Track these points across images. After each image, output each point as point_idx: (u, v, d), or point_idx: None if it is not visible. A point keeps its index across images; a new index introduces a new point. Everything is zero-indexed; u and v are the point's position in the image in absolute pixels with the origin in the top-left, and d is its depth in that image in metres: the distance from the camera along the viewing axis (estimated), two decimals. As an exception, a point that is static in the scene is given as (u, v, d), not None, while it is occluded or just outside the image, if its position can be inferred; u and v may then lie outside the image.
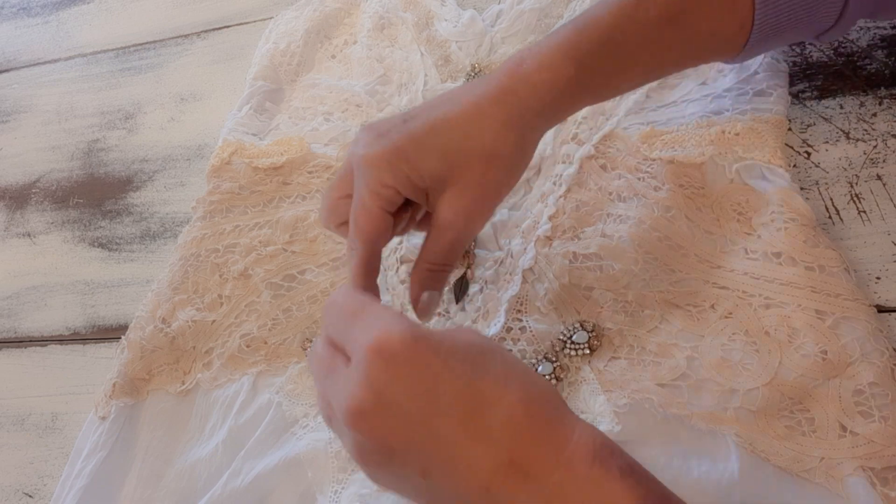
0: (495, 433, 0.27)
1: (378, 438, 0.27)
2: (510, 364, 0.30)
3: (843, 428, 0.39)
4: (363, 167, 0.36)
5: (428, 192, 0.36)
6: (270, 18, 0.68)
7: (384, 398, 0.27)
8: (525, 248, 0.49)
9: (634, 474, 0.28)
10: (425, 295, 0.38)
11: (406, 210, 0.40)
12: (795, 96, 0.50)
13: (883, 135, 0.47)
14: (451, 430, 0.27)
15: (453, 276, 0.50)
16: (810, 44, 0.51)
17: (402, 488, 0.30)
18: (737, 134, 0.48)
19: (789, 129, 0.49)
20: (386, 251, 0.52)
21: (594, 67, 0.38)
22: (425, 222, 0.42)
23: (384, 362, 0.27)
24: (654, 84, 0.52)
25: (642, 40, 0.39)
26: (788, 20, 0.40)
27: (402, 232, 0.41)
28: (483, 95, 0.36)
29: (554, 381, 0.45)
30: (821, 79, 0.50)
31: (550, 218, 0.50)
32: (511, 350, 0.47)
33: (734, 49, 0.42)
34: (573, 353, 0.45)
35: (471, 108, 0.36)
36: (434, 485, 0.28)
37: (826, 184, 0.47)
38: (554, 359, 0.45)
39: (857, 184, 0.46)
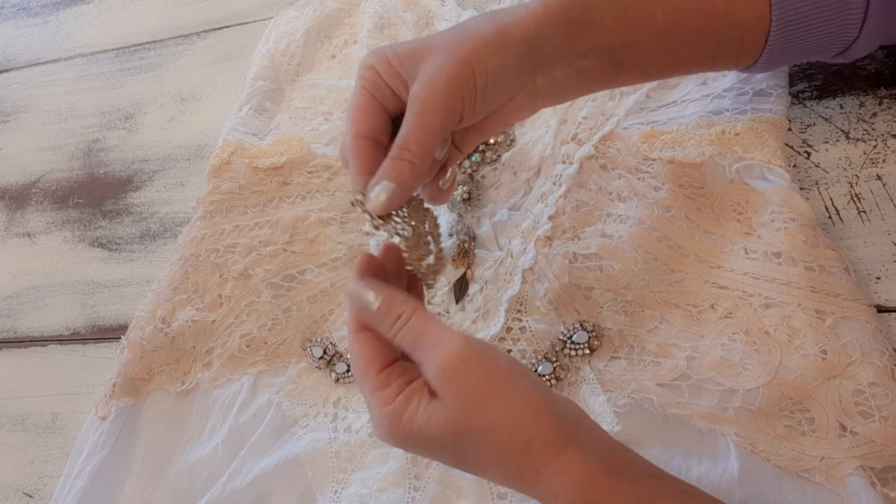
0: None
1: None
2: (483, 443, 0.31)
3: (843, 428, 0.39)
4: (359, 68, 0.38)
5: (407, 82, 0.36)
6: (270, 18, 0.68)
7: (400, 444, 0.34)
8: (525, 248, 0.49)
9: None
10: (382, 187, 0.34)
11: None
12: (795, 96, 0.50)
13: (883, 135, 0.47)
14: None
15: (454, 276, 0.50)
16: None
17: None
18: (737, 134, 0.48)
19: (789, 129, 0.49)
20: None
21: (592, 3, 0.38)
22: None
23: (386, 442, 0.34)
24: (654, 84, 0.52)
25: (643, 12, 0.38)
26: (808, 17, 0.38)
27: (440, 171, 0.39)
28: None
29: (554, 381, 0.45)
30: (821, 79, 0.50)
31: (550, 218, 0.50)
32: (511, 350, 0.47)
33: (752, 43, 0.40)
34: (573, 353, 0.45)
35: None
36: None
37: (826, 184, 0.47)
38: (554, 359, 0.45)
39: (857, 184, 0.46)
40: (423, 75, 0.35)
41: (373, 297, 0.33)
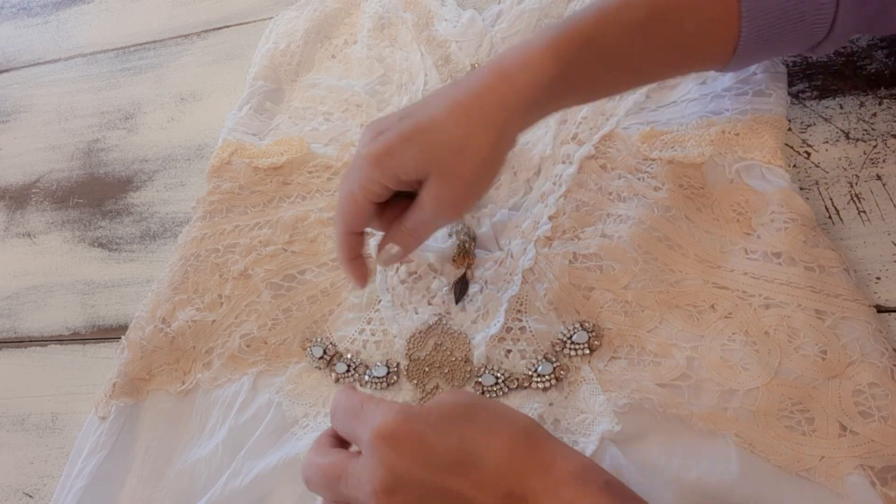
0: (490, 475, 0.32)
1: None
2: (493, 413, 0.34)
3: (843, 427, 0.39)
4: (358, 164, 0.40)
5: (415, 183, 0.40)
6: (270, 18, 0.68)
7: (397, 471, 0.32)
8: (525, 249, 0.49)
9: (612, 488, 0.32)
10: (391, 247, 0.43)
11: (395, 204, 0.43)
12: (795, 96, 0.50)
13: (883, 135, 0.47)
14: (456, 483, 0.32)
15: (454, 276, 0.50)
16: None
17: None
18: (737, 134, 0.48)
19: (789, 129, 0.49)
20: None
21: (577, 66, 0.39)
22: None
23: (387, 444, 0.32)
24: (653, 84, 0.52)
25: (627, 41, 0.40)
26: (776, 26, 0.41)
27: (390, 222, 0.43)
28: (466, 93, 0.38)
29: (554, 381, 0.45)
30: (821, 79, 0.50)
31: (550, 218, 0.50)
32: (511, 350, 0.47)
33: (724, 54, 0.42)
34: (573, 353, 0.45)
35: (453, 106, 0.38)
36: None
37: (826, 184, 0.47)
38: (554, 359, 0.45)
39: (857, 184, 0.46)
40: (430, 193, 0.39)
41: None
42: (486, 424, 0.34)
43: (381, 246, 0.43)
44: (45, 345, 0.62)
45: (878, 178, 0.46)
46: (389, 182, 0.40)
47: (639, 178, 0.49)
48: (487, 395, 0.45)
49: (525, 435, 0.34)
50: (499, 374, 0.45)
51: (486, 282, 0.50)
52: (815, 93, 0.50)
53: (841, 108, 0.49)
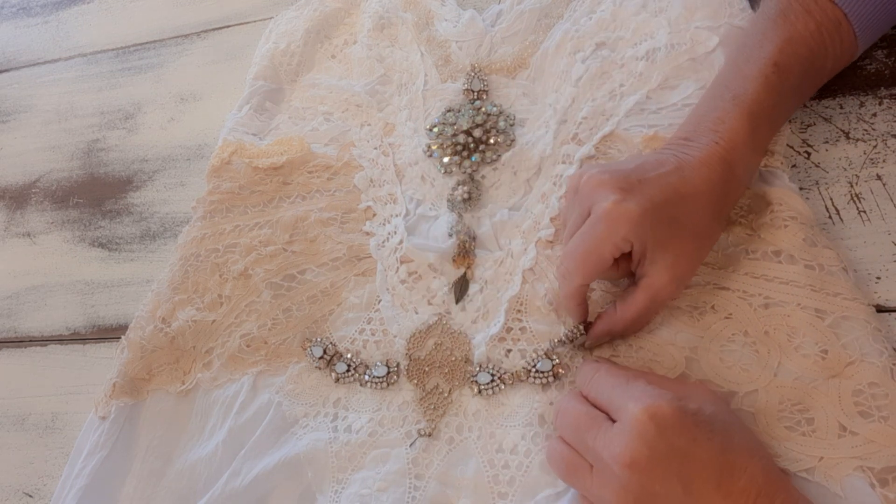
0: (741, 492, 0.34)
1: (646, 485, 0.34)
2: (748, 434, 0.37)
3: (843, 428, 0.39)
4: (613, 219, 0.40)
5: (645, 251, 0.41)
6: (270, 18, 0.68)
7: (655, 454, 0.34)
8: (526, 249, 0.49)
9: None
10: (604, 336, 0.44)
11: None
12: (795, 96, 0.50)
13: (883, 135, 0.47)
14: (705, 488, 0.34)
15: (454, 276, 0.50)
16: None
17: None
18: (737, 134, 0.48)
19: (789, 130, 0.49)
20: (386, 251, 0.52)
21: (764, 141, 0.45)
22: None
23: (656, 426, 0.34)
24: (654, 85, 0.52)
25: (791, 102, 0.45)
26: (881, 25, 0.45)
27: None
28: (706, 181, 0.41)
29: (552, 379, 0.45)
30: (821, 79, 0.50)
31: (552, 220, 0.50)
32: (511, 350, 0.47)
33: (845, 64, 0.46)
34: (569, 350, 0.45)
35: (696, 190, 0.41)
36: None
37: (826, 184, 0.47)
38: (554, 357, 0.45)
39: (857, 184, 0.46)
40: (667, 271, 0.41)
41: None
42: (747, 448, 0.35)
43: (594, 334, 0.44)
44: (45, 345, 0.62)
45: (878, 178, 0.46)
46: (637, 243, 0.41)
47: (639, 178, 0.49)
48: (485, 393, 0.45)
49: (774, 465, 0.36)
50: (494, 373, 0.45)
51: (486, 282, 0.50)
52: (815, 92, 0.50)
53: (841, 108, 0.49)
